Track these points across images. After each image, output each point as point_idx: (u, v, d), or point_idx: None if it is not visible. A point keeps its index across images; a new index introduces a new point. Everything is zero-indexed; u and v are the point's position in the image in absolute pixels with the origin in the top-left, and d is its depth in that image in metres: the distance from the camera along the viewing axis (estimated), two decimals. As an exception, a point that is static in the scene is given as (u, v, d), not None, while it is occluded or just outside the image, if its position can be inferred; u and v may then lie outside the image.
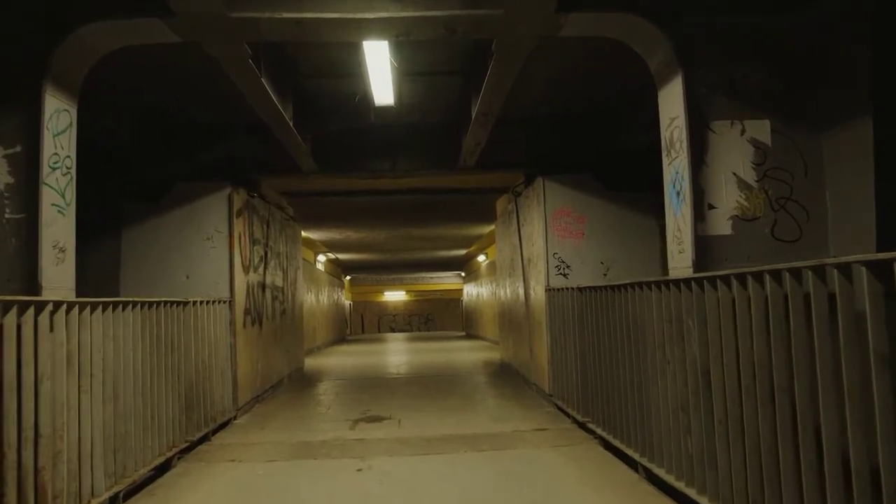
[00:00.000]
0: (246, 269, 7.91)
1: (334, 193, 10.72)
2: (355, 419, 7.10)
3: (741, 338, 3.28)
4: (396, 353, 17.73)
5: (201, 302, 6.26)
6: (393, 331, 42.45)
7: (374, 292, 41.17)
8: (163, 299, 5.34)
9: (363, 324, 42.34)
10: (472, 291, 26.77)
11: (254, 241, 8.36)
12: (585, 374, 6.01)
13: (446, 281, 38.00)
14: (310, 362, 14.53)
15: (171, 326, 5.52)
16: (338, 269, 27.80)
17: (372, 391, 9.36)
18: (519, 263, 9.33)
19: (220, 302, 6.89)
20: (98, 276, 7.31)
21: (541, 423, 6.62)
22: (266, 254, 8.98)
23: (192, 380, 5.93)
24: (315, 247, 19.55)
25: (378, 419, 7.07)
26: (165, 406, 5.27)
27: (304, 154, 7.67)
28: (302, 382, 10.61)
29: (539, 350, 8.07)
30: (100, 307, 4.20)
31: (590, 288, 5.83)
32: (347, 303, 35.36)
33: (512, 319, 10.34)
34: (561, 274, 7.63)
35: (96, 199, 7.48)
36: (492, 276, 20.26)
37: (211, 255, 7.39)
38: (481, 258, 22.83)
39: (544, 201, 7.69)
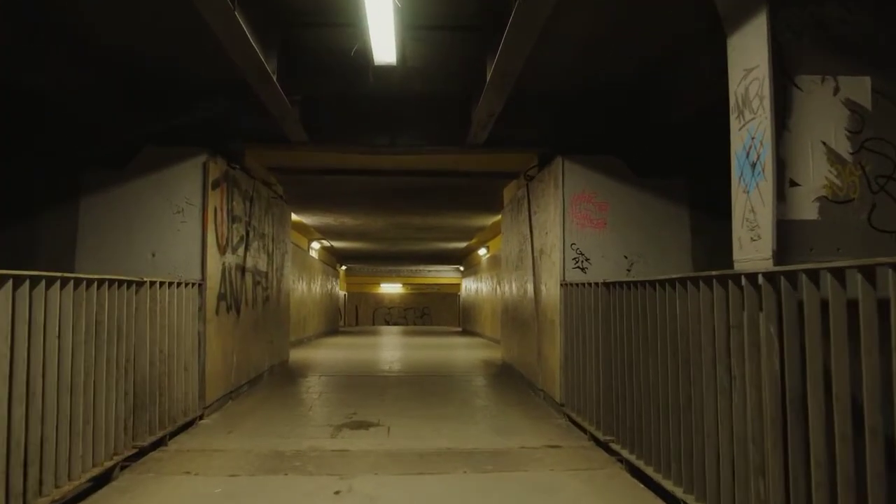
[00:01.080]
0: (222, 249, 6.99)
1: (327, 171, 9.80)
2: (339, 424, 6.20)
3: (849, 353, 2.39)
4: (390, 348, 16.83)
5: (161, 283, 5.35)
6: (388, 324, 41.63)
7: (369, 284, 40.33)
8: (107, 277, 4.43)
9: (358, 315, 41.50)
10: (471, 286, 25.88)
11: (233, 219, 7.44)
12: (609, 384, 5.11)
13: (444, 275, 37.22)
14: (297, 354, 13.62)
15: (120, 310, 4.61)
16: (333, 258, 26.88)
17: (360, 390, 8.46)
18: (528, 256, 8.42)
19: (187, 284, 5.98)
20: (50, 252, 6.41)
21: (552, 438, 5.72)
22: (248, 234, 8.06)
23: (145, 374, 5.02)
24: (308, 233, 18.63)
25: (365, 425, 6.17)
26: (106, 406, 4.37)
27: (292, 121, 6.74)
28: (285, 377, 9.71)
29: (549, 353, 7.18)
30: (10, 282, 3.28)
31: (620, 283, 4.92)
32: (342, 293, 34.47)
33: (517, 317, 9.45)
34: (578, 268, 6.73)
35: (50, 165, 6.57)
36: (493, 270, 19.36)
37: (181, 232, 6.48)
38: (482, 252, 21.93)
39: (562, 184, 6.77)
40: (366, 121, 7.53)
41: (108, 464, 4.35)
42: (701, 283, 3.55)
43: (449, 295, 41.85)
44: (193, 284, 6.20)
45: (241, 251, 7.78)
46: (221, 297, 6.97)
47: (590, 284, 5.66)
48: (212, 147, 6.73)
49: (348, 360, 12.88)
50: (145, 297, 5.05)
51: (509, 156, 8.80)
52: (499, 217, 14.82)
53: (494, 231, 17.94)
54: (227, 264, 7.18)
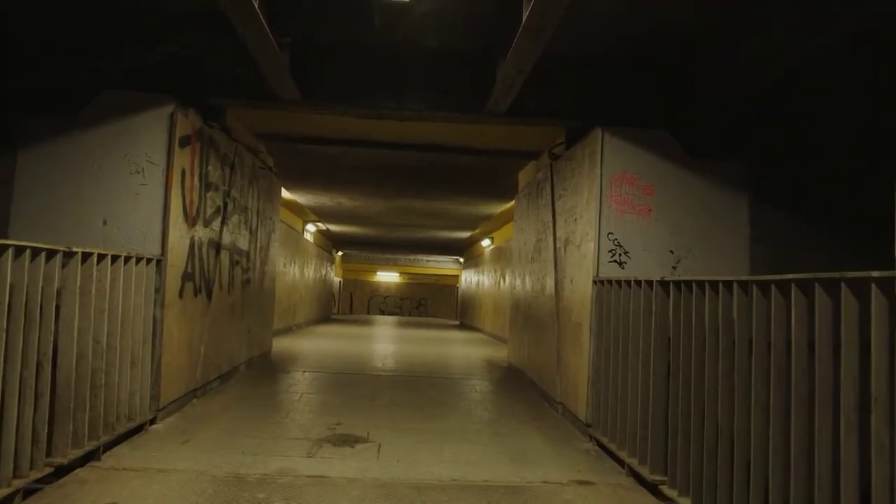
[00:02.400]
0: (190, 220, 5.87)
1: (323, 141, 8.66)
2: (319, 438, 5.11)
3: None
4: (384, 340, 15.74)
5: (102, 255, 4.23)
6: (383, 313, 40.62)
7: (366, 271, 39.27)
8: (12, 243, 3.31)
9: (352, 303, 40.47)
10: (472, 279, 24.79)
11: (207, 186, 6.31)
12: (662, 411, 4.03)
13: (443, 266, 36.17)
14: (283, 344, 12.53)
15: (34, 289, 3.51)
16: (329, 242, 25.76)
17: (348, 392, 7.36)
18: (549, 247, 7.31)
19: (139, 260, 4.86)
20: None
21: (580, 469, 4.63)
22: (226, 205, 6.94)
23: (71, 371, 3.92)
24: (303, 214, 17.49)
25: (350, 440, 5.07)
26: (5, 412, 3.27)
27: (282, 72, 5.60)
28: (264, 372, 8.60)
29: (573, 361, 6.08)
30: None
31: (688, 283, 3.82)
32: (337, 280, 33.40)
33: (530, 316, 8.35)
34: (615, 262, 5.62)
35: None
36: (497, 263, 18.26)
37: (140, 196, 5.35)
38: (485, 243, 20.82)
39: (601, 162, 5.65)
40: (368, 78, 6.39)
41: (4, 491, 3.26)
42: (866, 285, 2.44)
43: (447, 287, 40.84)
44: (150, 260, 5.08)
45: (216, 225, 6.65)
46: (187, 276, 5.85)
47: (638, 283, 4.55)
48: (184, 97, 5.60)
49: (338, 354, 11.78)
50: (75, 272, 3.93)
51: (531, 130, 7.68)
52: (508, 205, 13.73)
53: (501, 221, 16.83)
54: (196, 239, 6.06)
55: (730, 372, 3.31)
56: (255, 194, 8.29)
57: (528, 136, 8.05)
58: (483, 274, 21.45)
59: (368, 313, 40.14)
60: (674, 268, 5.65)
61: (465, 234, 20.84)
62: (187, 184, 5.74)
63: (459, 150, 8.82)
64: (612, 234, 5.63)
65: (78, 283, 3.95)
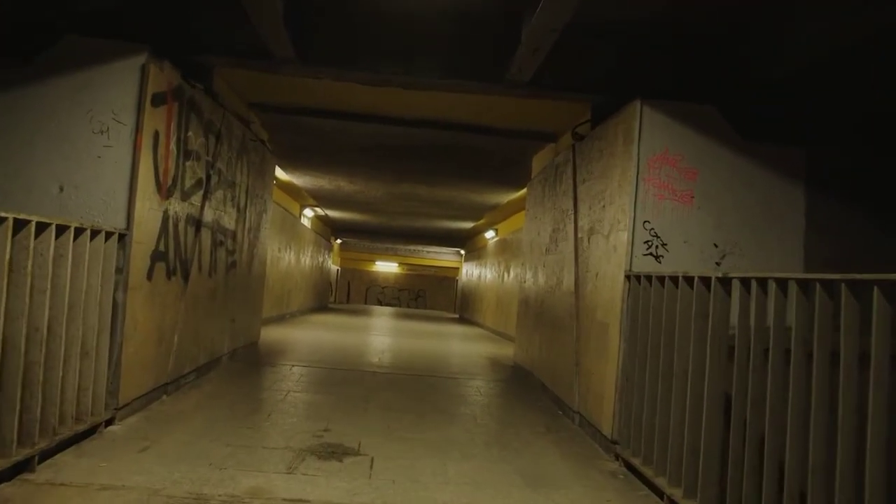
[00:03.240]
0: (164, 191, 5.11)
1: (322, 113, 7.89)
2: (302, 447, 4.38)
3: None
4: (381, 333, 15.01)
5: (42, 225, 3.49)
6: (380, 304, 39.98)
7: (364, 260, 38.55)
8: None
9: (349, 292, 39.80)
10: (473, 272, 24.05)
11: (186, 154, 5.55)
12: (714, 435, 3.29)
13: (443, 257, 35.46)
14: (274, 333, 11.80)
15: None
16: (327, 229, 25.00)
17: (339, 391, 6.63)
18: (569, 237, 6.57)
19: (95, 232, 4.12)
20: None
21: (608, 497, 3.91)
22: (209, 178, 6.18)
23: (-4, 364, 3.18)
24: (301, 197, 16.73)
25: (338, 452, 4.34)
26: None
27: (275, 22, 4.85)
28: (248, 365, 7.86)
29: (596, 366, 5.34)
30: None
31: (771, 280, 3.08)
32: (335, 268, 32.69)
33: (542, 313, 7.61)
34: (651, 255, 4.88)
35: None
36: (501, 255, 17.53)
37: (104, 160, 4.60)
38: (489, 234, 20.07)
39: (638, 139, 4.90)
40: (373, 39, 5.63)
41: None
42: None
43: (446, 279, 40.16)
44: (110, 235, 4.33)
45: (196, 199, 5.90)
46: (159, 256, 5.10)
47: (688, 279, 3.81)
48: (159, 47, 4.84)
49: (331, 346, 11.04)
50: (3, 243, 3.18)
51: (551, 108, 6.94)
52: (517, 194, 12.97)
53: (507, 211, 16.08)
54: (171, 213, 5.31)
55: (823, 393, 2.58)
56: (244, 169, 7.53)
57: (547, 114, 7.30)
58: (486, 267, 20.71)
59: (366, 303, 39.46)
60: (717, 264, 4.91)
61: (469, 225, 20.09)
62: (162, 149, 4.98)
63: (470, 128, 8.06)
64: (648, 222, 4.89)
65: (7, 256, 3.20)
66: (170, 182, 5.22)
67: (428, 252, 34.86)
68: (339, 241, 30.16)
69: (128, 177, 4.59)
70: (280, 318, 15.55)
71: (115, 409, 4.52)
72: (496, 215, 17.04)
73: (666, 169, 4.92)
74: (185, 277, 5.77)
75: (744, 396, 3.12)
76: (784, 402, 2.82)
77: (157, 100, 4.83)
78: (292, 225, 16.61)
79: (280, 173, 12.91)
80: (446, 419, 5.70)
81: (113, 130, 4.61)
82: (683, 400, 3.72)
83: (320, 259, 23.26)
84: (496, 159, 9.74)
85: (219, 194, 6.57)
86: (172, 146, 5.20)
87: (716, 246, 4.91)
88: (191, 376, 6.18)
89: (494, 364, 9.96)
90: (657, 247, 4.88)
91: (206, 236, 6.25)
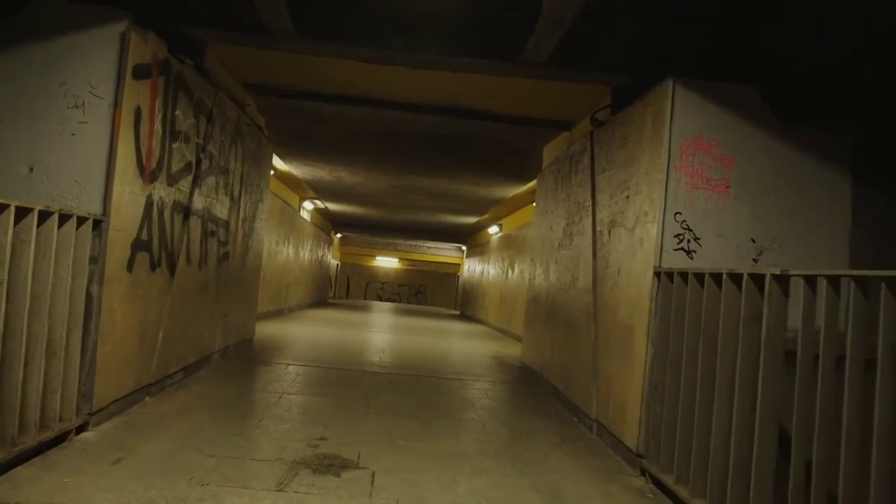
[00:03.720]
0: (147, 174, 4.66)
1: (321, 97, 7.43)
2: (296, 459, 3.93)
3: None
4: (382, 329, 14.57)
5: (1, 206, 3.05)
6: (380, 299, 39.57)
7: (364, 255, 38.13)
8: None
9: (349, 287, 39.38)
10: (475, 268, 23.60)
11: (173, 135, 5.10)
12: (794, 458, 2.85)
13: (444, 253, 35.09)
14: (271, 329, 11.36)
15: None
16: (327, 223, 24.56)
17: (338, 393, 6.18)
18: (586, 231, 6.12)
19: (65, 217, 3.67)
20: None
21: (640, 522, 3.47)
22: (199, 162, 5.73)
23: (-63, 366, 2.73)
24: (300, 189, 16.27)
25: (335, 466, 3.90)
26: None
27: (269, -9, 4.40)
28: (242, 363, 7.42)
29: (619, 371, 4.90)
30: None
31: (852, 279, 2.63)
32: (335, 263, 32.27)
33: (554, 312, 7.16)
34: (682, 250, 4.43)
35: None
36: (505, 251, 17.09)
37: (78, 137, 4.14)
38: (493, 230, 19.63)
39: (670, 122, 4.45)
40: (377, 11, 5.16)
41: None
42: None
43: (447, 275, 39.73)
44: (83, 220, 3.88)
45: (184, 185, 5.45)
46: (141, 245, 4.65)
47: (735, 276, 3.37)
48: (142, 14, 4.38)
49: (330, 343, 10.60)
50: (-53, 224, 2.74)
51: (567, 93, 6.50)
52: (525, 187, 12.52)
53: (513, 206, 15.64)
54: (156, 199, 4.86)
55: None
56: (238, 155, 7.07)
57: (562, 100, 6.85)
58: (489, 263, 20.26)
59: (366, 298, 39.04)
60: (755, 260, 4.46)
61: (472, 220, 19.63)
62: (144, 127, 4.53)
63: (479, 115, 7.60)
64: (679, 214, 4.44)
65: (-48, 242, 2.75)
66: (154, 165, 4.76)
67: (429, 248, 34.44)
68: (339, 235, 29.72)
69: (105, 157, 4.14)
70: (277, 313, 15.12)
71: (89, 413, 4.08)
72: (501, 210, 16.60)
73: (699, 155, 4.47)
74: (172, 269, 5.32)
75: (809, 413, 2.68)
76: (866, 423, 2.37)
77: (140, 72, 4.37)
78: (291, 217, 16.16)
79: (279, 163, 12.45)
80: (453, 426, 5.25)
81: (89, 105, 4.15)
82: (728, 413, 3.28)
83: (320, 253, 22.82)
84: (505, 150, 9.28)
85: (210, 180, 6.11)
86: (157, 125, 4.75)
87: (753, 241, 4.47)
88: (178, 376, 5.74)
89: (500, 364, 9.52)
90: (689, 241, 4.44)
91: (195, 225, 5.80)
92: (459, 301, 30.22)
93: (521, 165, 10.29)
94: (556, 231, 7.41)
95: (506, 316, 16.14)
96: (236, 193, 7.12)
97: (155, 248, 4.92)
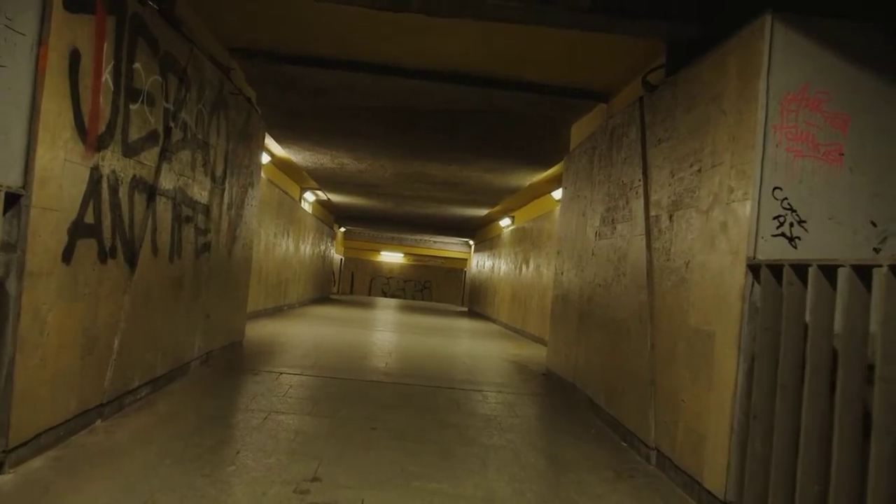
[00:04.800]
0: (92, 140, 3.65)
1: (319, 62, 6.40)
2: (277, 515, 2.94)
3: None
4: (387, 329, 13.56)
5: None
6: (385, 295, 38.63)
7: (369, 250, 37.14)
8: None
9: (353, 283, 38.41)
10: (485, 263, 22.57)
11: (131, 93, 4.08)
12: None
13: (450, 248, 34.09)
14: (267, 329, 10.37)
15: None
16: (330, 216, 23.56)
17: (338, 411, 5.17)
18: (635, 215, 5.10)
19: (-43, 187, 2.66)
20: None
21: None
22: (169, 131, 4.72)
23: None
24: (300, 178, 15.26)
25: (331, 525, 2.90)
26: None
27: None
28: (226, 372, 6.41)
29: (692, 390, 3.87)
30: None
31: None
32: (339, 257, 31.30)
33: (591, 312, 6.14)
34: (783, 235, 3.41)
35: None
36: (519, 245, 16.06)
37: (-6, 86, 3.14)
38: (504, 223, 18.59)
39: (767, 70, 3.42)
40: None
41: None
42: None
43: (453, 270, 38.76)
44: (-10, 192, 2.87)
45: (148, 158, 4.43)
46: (84, 230, 3.65)
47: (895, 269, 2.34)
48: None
49: (331, 345, 9.60)
50: None
51: (607, 54, 5.48)
52: (542, 175, 11.47)
53: (527, 197, 14.62)
54: (106, 172, 3.85)
55: None
56: (222, 128, 6.06)
57: (600, 65, 5.84)
58: (500, 258, 19.23)
59: (370, 294, 38.09)
60: (876, 250, 3.43)
61: (482, 212, 18.59)
62: (86, 79, 3.52)
63: (501, 83, 6.57)
64: (779, 189, 3.41)
65: None
66: (102, 128, 3.75)
67: (435, 242, 33.45)
68: (342, 229, 28.73)
69: (26, 111, 3.13)
70: (276, 311, 14.14)
71: (4, 450, 3.08)
72: (514, 201, 15.56)
73: (805, 113, 3.44)
74: (132, 261, 4.32)
75: None
76: None
77: (77, 3, 3.36)
78: (290, 208, 15.16)
79: (276, 148, 11.44)
80: (479, 456, 4.23)
81: (5, 42, 3.14)
82: (892, 463, 2.26)
83: (322, 247, 21.83)
84: (527, 129, 8.24)
85: (184, 156, 5.10)
86: (107, 77, 3.74)
87: (873, 224, 3.44)
88: (143, 391, 4.74)
89: (520, 370, 8.50)
90: (792, 225, 3.41)
91: (164, 208, 4.80)
92: (467, 297, 29.22)
93: (542, 148, 9.26)
94: (591, 218, 6.38)
95: (519, 314, 15.12)
96: (219, 174, 6.10)
97: (106, 235, 3.91)
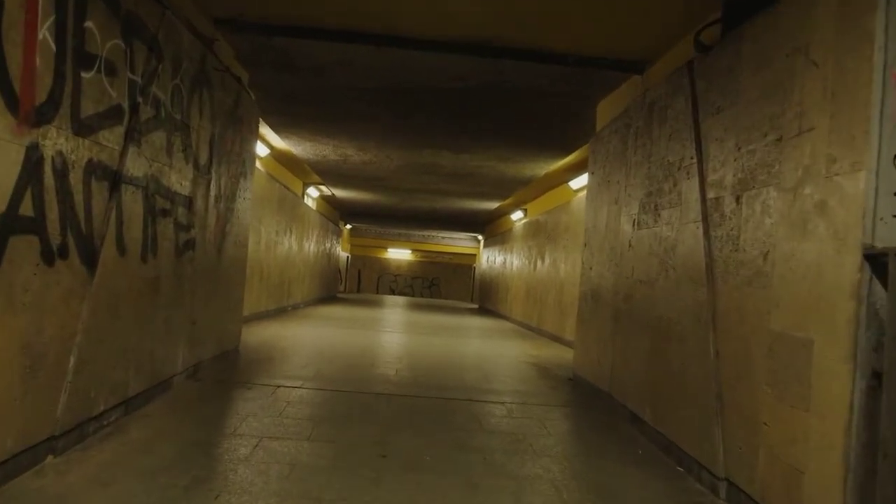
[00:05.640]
0: (28, 112, 2.92)
1: (318, 32, 5.66)
2: None
3: None
4: (396, 330, 12.84)
5: None
6: (392, 293, 38.00)
7: (375, 247, 36.47)
8: None
9: (360, 281, 37.78)
10: (496, 258, 21.81)
11: (83, 59, 3.36)
12: None
13: (459, 243, 33.44)
14: (266, 332, 9.67)
15: None
16: (335, 212, 22.87)
17: (341, 434, 4.44)
18: (687, 199, 4.35)
19: None
20: None
21: None
22: (136, 108, 3.99)
23: None
24: (303, 173, 14.55)
25: None
26: None
27: None
28: (215, 386, 5.69)
29: (780, 412, 3.12)
30: None
31: None
32: (345, 255, 30.60)
33: (628, 312, 5.39)
34: (907, 217, 2.65)
35: None
36: (533, 239, 15.31)
37: None
38: (516, 216, 17.85)
39: (886, 4, 2.66)
40: None
41: None
42: None
43: (462, 266, 38.07)
44: None
45: (109, 138, 3.71)
46: (18, 225, 2.92)
47: None
48: None
49: (336, 350, 8.88)
50: None
51: (652, 13, 4.71)
52: (560, 163, 10.70)
53: (540, 188, 13.87)
54: (50, 153, 3.12)
55: None
56: (205, 108, 5.34)
57: (636, 28, 5.07)
58: (512, 253, 18.47)
59: (377, 292, 37.44)
60: None
61: (493, 205, 17.84)
62: (15, 33, 2.79)
63: (522, 53, 5.81)
64: (902, 157, 2.65)
65: None
66: (43, 97, 3.03)
67: (443, 238, 32.77)
68: (348, 226, 28.04)
69: (-74, 69, 2.41)
70: (279, 312, 13.45)
71: None
72: (527, 193, 14.80)
73: (932, 58, 2.68)
74: (91, 262, 3.60)
75: None
76: None
77: (-3, -65, 2.63)
78: (293, 204, 14.45)
79: (274, 139, 10.73)
80: (512, 491, 3.49)
81: None
82: None
83: (327, 245, 21.13)
84: (548, 107, 7.49)
85: (156, 138, 4.38)
86: (45, 34, 3.01)
87: None
88: (112, 415, 4.02)
89: (543, 374, 7.75)
90: (918, 202, 2.65)
91: (132, 199, 4.07)
92: (477, 294, 28.48)
93: (563, 131, 8.51)
94: (627, 206, 5.63)
95: (535, 311, 14.38)
96: (203, 161, 5.38)
97: (52, 231, 3.19)
